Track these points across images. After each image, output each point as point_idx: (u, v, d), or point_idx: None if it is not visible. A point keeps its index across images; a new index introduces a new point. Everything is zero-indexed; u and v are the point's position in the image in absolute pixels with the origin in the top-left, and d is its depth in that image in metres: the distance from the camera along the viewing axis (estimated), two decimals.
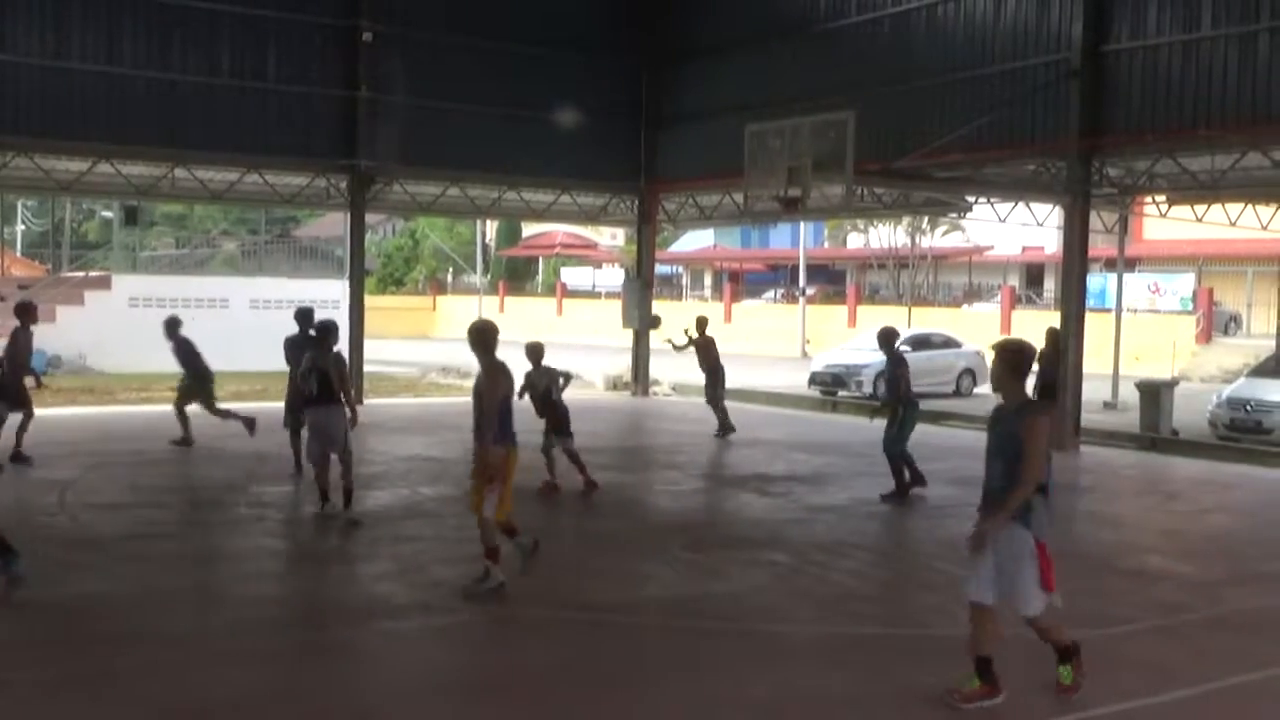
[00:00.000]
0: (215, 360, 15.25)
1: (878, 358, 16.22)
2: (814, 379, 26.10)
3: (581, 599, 8.42)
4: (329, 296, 31.07)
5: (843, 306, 43.81)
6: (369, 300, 25.17)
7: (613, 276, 56.34)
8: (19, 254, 48.05)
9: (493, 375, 8.09)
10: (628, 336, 26.18)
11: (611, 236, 62.38)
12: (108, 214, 48.99)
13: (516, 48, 22.92)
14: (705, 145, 22.89)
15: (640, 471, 15.44)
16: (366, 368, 23.22)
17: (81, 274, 34.96)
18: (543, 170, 23.95)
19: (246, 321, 29.50)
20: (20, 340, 12.77)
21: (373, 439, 17.75)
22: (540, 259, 66.85)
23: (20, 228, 52.94)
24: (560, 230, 59.95)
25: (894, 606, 8.77)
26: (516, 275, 65.36)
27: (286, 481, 12.86)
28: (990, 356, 6.37)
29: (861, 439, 15.22)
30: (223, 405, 15.20)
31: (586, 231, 60.23)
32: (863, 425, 16.35)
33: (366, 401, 21.68)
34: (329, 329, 11.24)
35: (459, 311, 55.03)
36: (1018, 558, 5.93)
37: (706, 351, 17.98)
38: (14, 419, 12.76)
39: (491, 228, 62.89)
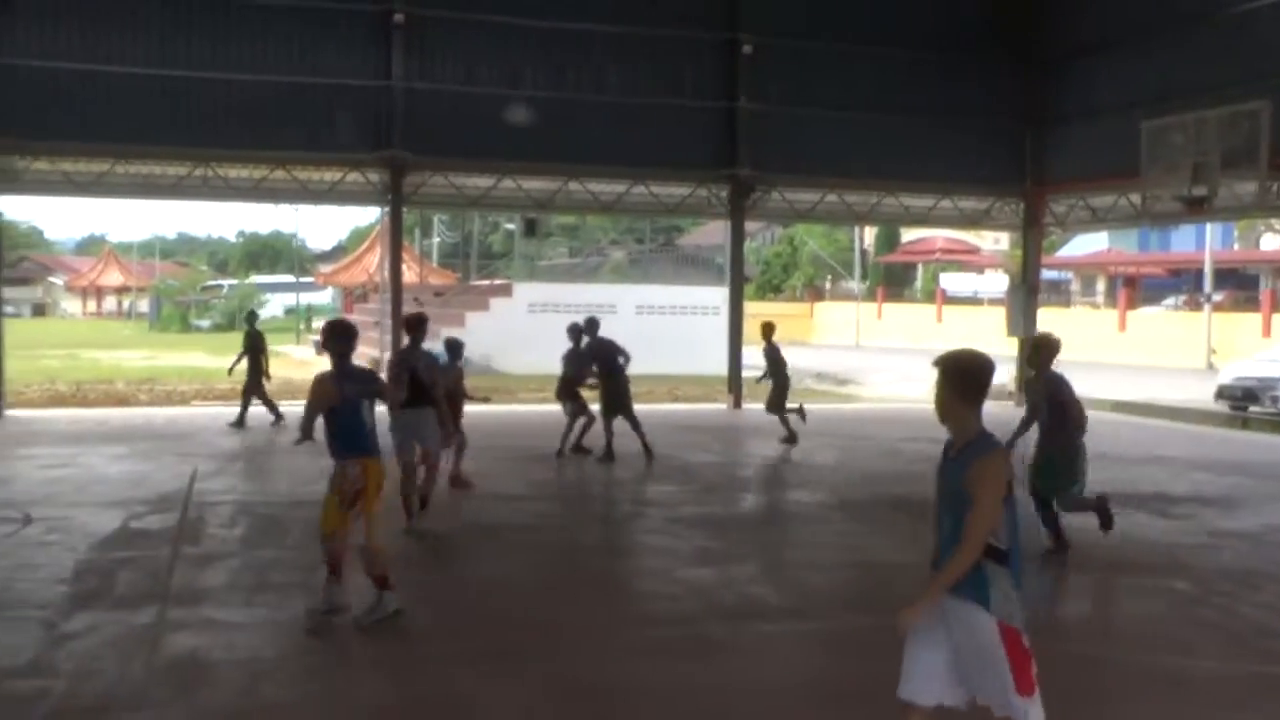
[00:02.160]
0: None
1: None
2: (1222, 393, 23.97)
3: None
4: (709, 303, 32.00)
5: (1255, 314, 40.00)
6: (748, 306, 25.63)
7: (996, 282, 54.36)
8: (435, 264, 52.61)
9: (317, 381, 7.52)
10: (1012, 345, 25.21)
11: (995, 241, 60.21)
12: (510, 226, 52.66)
13: (892, 52, 22.74)
14: (1094, 144, 21.73)
15: (1018, 486, 14.79)
16: (745, 373, 23.66)
17: (487, 282, 37.79)
18: (921, 174, 23.56)
19: (633, 326, 30.85)
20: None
21: (750, 443, 18.07)
22: (919, 265, 65.56)
23: (436, 240, 57.93)
24: (940, 235, 58.54)
25: None
26: (895, 281, 64.42)
27: (670, 480, 13.34)
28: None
29: (1278, 459, 13.85)
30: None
31: (968, 236, 58.46)
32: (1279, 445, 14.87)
33: (746, 406, 22.16)
34: (420, 322, 10.53)
35: (837, 318, 54.99)
36: (980, 650, 4.49)
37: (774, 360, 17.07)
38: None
39: (870, 234, 62.37)
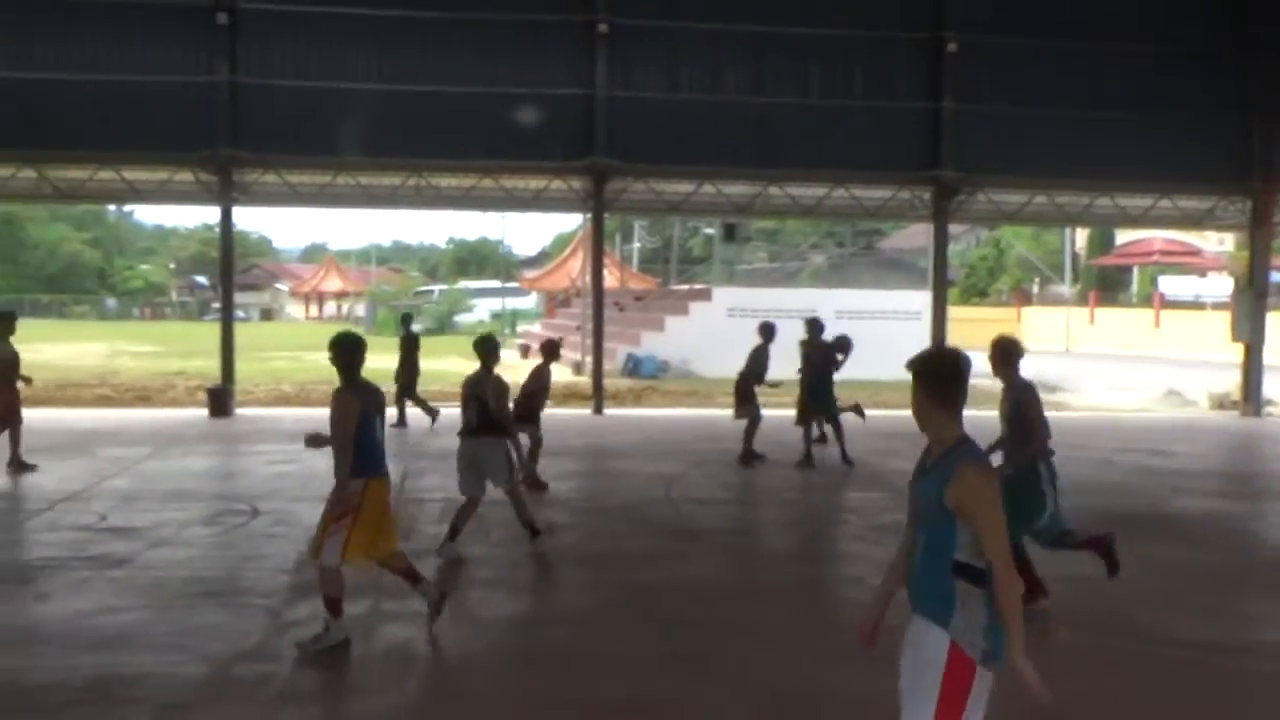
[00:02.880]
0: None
1: None
2: None
3: (1172, 634, 7.78)
4: (911, 308, 31.38)
5: None
6: (952, 311, 25.04)
7: (1220, 286, 51.45)
8: (635, 269, 53.29)
9: (340, 398, 6.98)
10: (1236, 351, 23.87)
11: (1219, 242, 56.96)
12: (710, 231, 52.88)
13: (1103, 45, 21.84)
14: None
15: (1252, 500, 13.97)
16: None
17: (686, 286, 37.99)
18: (1137, 173, 22.56)
19: (833, 331, 30.54)
20: (543, 377, 13.02)
21: None
22: (1135, 268, 62.58)
23: (636, 245, 58.67)
24: (1158, 236, 55.76)
25: None
26: (1109, 285, 61.71)
27: (871, 487, 13.15)
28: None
29: None
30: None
31: (1189, 237, 55.50)
32: None
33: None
34: (490, 347, 9.70)
35: (1046, 323, 53.04)
36: (920, 670, 4.00)
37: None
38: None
39: (1081, 235, 59.94)
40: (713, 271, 42.78)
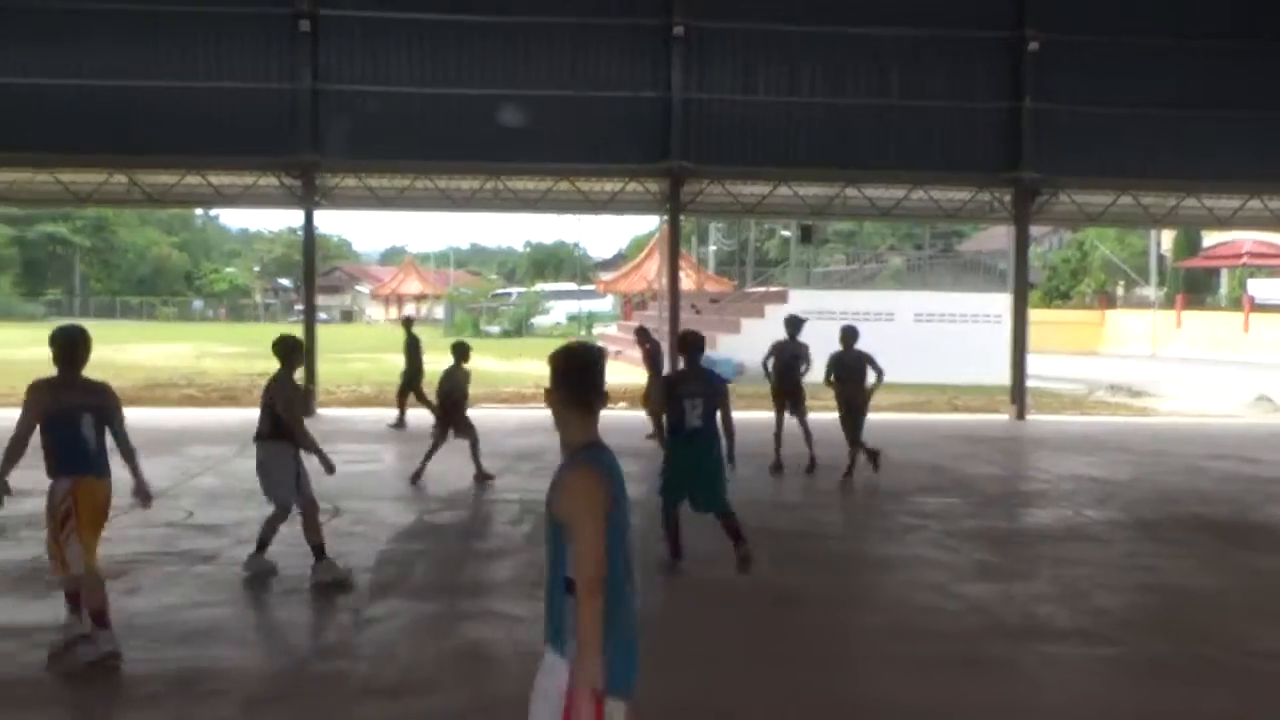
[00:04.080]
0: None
1: None
2: None
3: (1259, 644, 7.58)
4: (991, 310, 30.98)
5: None
6: (1033, 314, 24.70)
7: None
8: (711, 271, 53.25)
9: (31, 388, 6.67)
10: None
11: None
12: (786, 233, 52.70)
13: (1188, 43, 21.40)
14: None
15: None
16: (1030, 383, 22.82)
17: (763, 289, 37.87)
18: (1225, 173, 22.03)
19: (911, 334, 30.30)
20: (455, 379, 13.71)
21: (1034, 455, 17.41)
22: (1223, 270, 61.07)
23: (712, 247, 58.61)
24: (1247, 238, 54.36)
25: None
26: (1196, 288, 60.29)
27: (949, 493, 12.99)
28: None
29: None
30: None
31: (1279, 239, 54.08)
32: None
33: (1030, 417, 21.32)
34: (289, 347, 8.83)
35: (1130, 327, 52.03)
36: (539, 702, 3.61)
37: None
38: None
39: (1167, 237, 58.65)
40: (789, 274, 42.56)
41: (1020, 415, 21.81)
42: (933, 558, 10.44)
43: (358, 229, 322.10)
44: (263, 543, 8.92)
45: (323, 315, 23.52)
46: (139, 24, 20.55)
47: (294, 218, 30.50)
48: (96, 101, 20.34)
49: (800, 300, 33.17)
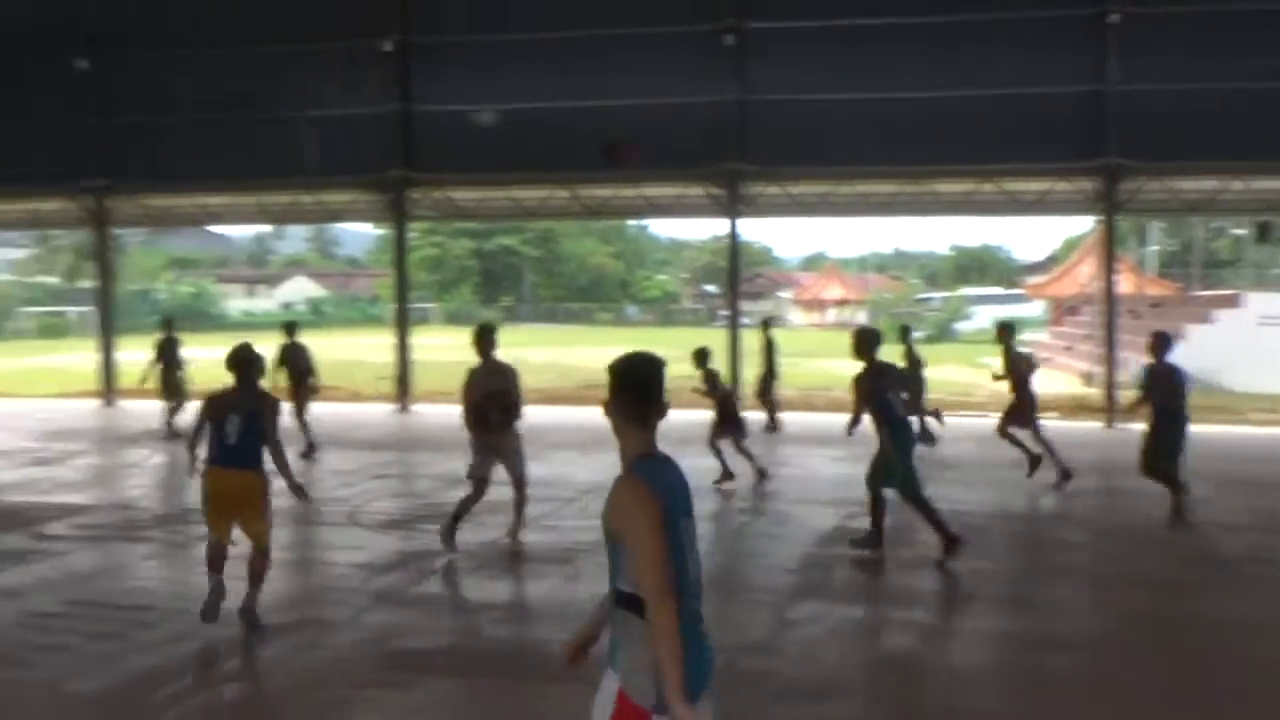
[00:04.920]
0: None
1: None
2: None
3: None
4: None
5: None
6: None
7: None
8: (1152, 273, 49.72)
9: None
10: None
11: None
12: (1239, 231, 48.33)
13: None
14: None
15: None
16: None
17: (1211, 292, 34.97)
18: None
19: None
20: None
21: None
22: None
23: (1153, 248, 54.69)
24: None
25: None
26: None
27: None
28: None
29: None
30: None
31: None
32: None
33: None
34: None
35: None
36: (594, 712, 3.54)
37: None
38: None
39: None
40: (1241, 275, 38.95)
41: None
42: None
43: (779, 236, 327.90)
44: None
45: (746, 320, 24.12)
46: (556, 49, 21.84)
47: (719, 226, 31.77)
48: (537, 121, 21.91)
49: (1256, 304, 30.32)
